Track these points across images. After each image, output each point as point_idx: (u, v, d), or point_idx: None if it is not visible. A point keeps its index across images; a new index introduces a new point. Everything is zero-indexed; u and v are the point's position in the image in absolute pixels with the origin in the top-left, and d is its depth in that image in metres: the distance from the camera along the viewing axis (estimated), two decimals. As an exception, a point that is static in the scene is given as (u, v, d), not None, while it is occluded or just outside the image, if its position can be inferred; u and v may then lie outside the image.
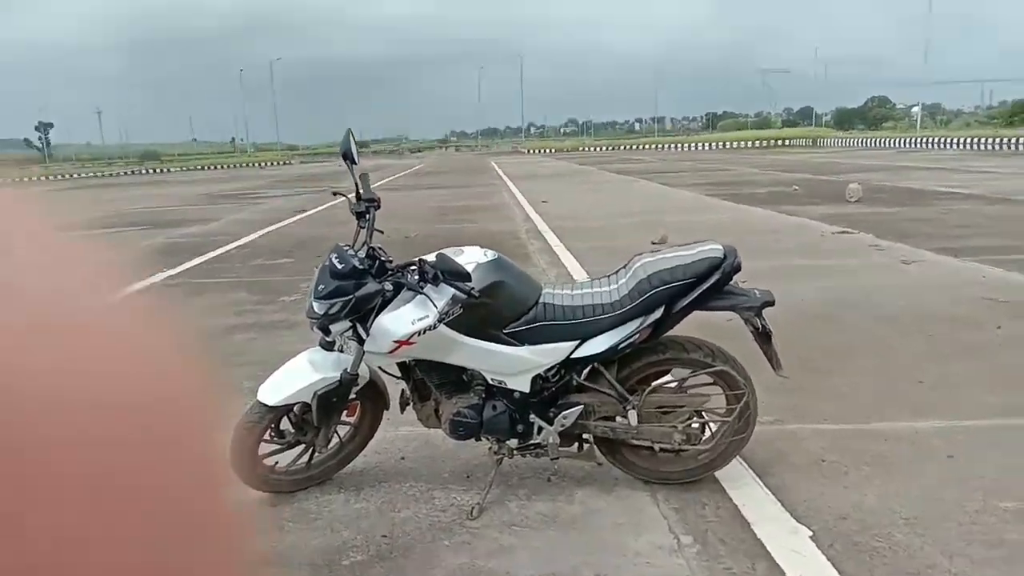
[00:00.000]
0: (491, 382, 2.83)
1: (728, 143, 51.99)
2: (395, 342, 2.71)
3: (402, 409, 3.06)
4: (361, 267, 2.72)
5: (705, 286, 2.68)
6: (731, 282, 2.75)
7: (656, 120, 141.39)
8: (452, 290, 2.65)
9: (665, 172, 24.02)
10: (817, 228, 9.88)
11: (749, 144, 48.09)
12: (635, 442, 2.95)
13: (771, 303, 2.75)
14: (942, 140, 38.13)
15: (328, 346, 2.94)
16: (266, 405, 2.84)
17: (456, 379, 2.90)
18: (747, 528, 2.68)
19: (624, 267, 2.90)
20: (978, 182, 16.05)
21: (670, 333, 2.85)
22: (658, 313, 2.70)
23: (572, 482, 3.07)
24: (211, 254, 9.76)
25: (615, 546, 2.60)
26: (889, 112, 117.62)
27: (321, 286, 2.74)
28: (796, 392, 3.89)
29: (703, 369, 2.81)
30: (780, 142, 54.23)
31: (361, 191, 2.87)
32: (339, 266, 2.72)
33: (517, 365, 2.78)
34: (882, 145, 41.40)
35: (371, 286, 2.70)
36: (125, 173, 44.91)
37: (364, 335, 2.73)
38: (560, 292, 2.85)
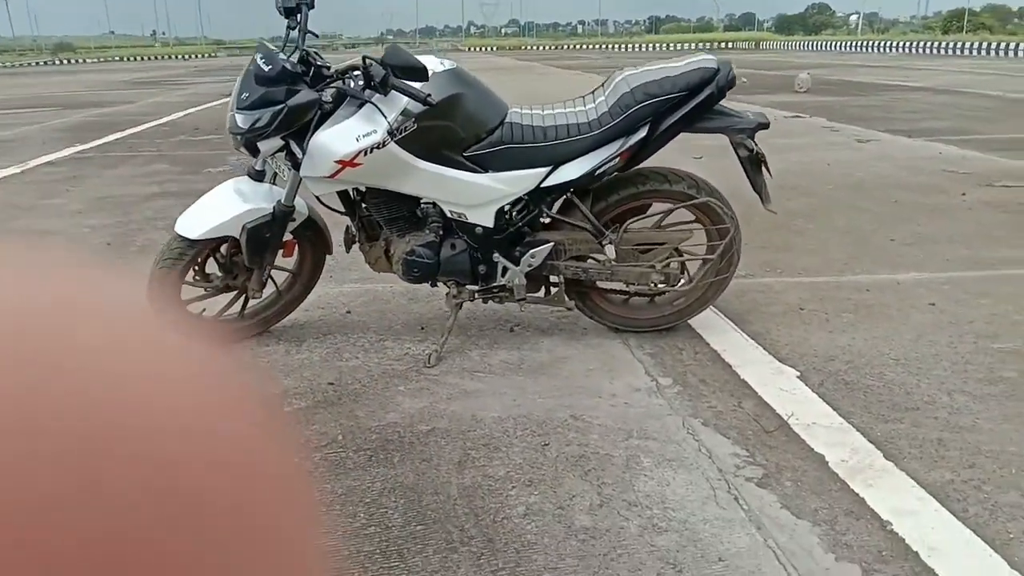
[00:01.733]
0: (450, 216, 2.49)
1: (671, 45, 51.02)
2: (337, 163, 2.33)
3: (347, 247, 2.71)
4: (293, 71, 2.30)
5: (696, 101, 2.36)
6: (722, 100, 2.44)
7: (599, 23, 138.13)
8: (404, 100, 2.28)
9: (612, 68, 23.24)
10: (769, 113, 9.63)
11: (692, 46, 47.29)
12: (608, 285, 2.67)
13: (766, 125, 2.45)
14: (882, 44, 38.09)
15: (258, 176, 2.55)
16: (186, 239, 2.45)
17: (409, 214, 2.55)
18: (729, 370, 2.47)
19: (603, 84, 2.55)
20: (923, 77, 16.01)
21: (650, 163, 2.54)
22: (642, 132, 2.38)
23: (537, 332, 2.80)
24: (130, 131, 8.99)
25: (589, 389, 2.36)
26: (829, 20, 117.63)
27: (245, 94, 2.32)
28: (768, 249, 3.68)
29: (686, 202, 2.52)
30: (722, 44, 53.56)
31: None
32: (266, 68, 2.30)
33: (479, 195, 2.44)
34: (824, 48, 41.24)
35: (306, 94, 2.30)
36: (37, 63, 41.57)
37: (300, 156, 2.34)
38: (529, 112, 2.50)
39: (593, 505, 1.78)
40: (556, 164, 2.42)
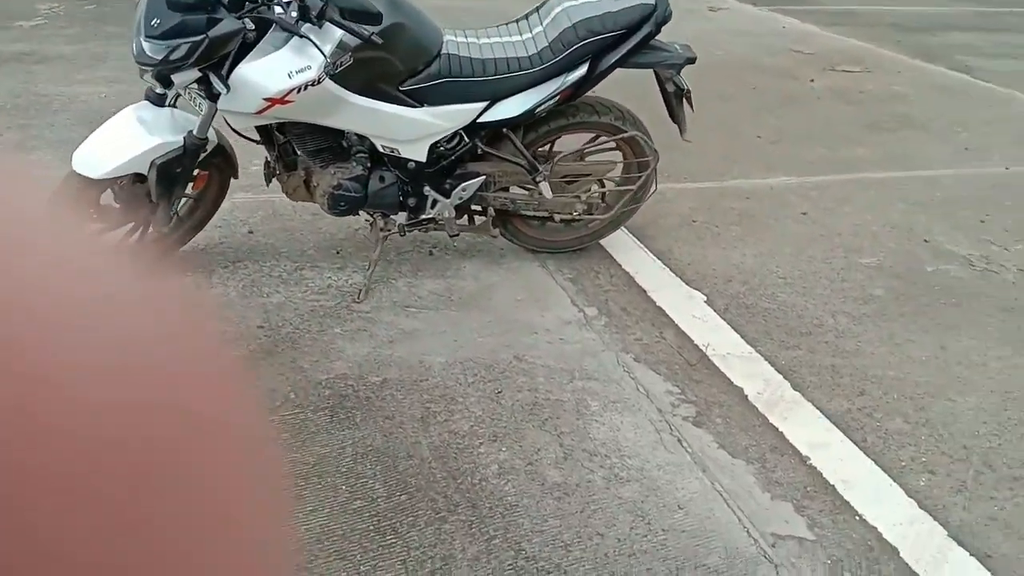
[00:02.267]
0: (381, 150, 2.40)
1: None
2: (266, 100, 2.15)
3: (267, 180, 2.55)
4: None
5: (635, 40, 2.36)
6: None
7: None
8: (340, 33, 2.10)
9: None
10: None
11: None
12: (531, 213, 2.72)
13: (693, 60, 2.51)
14: None
15: (158, 100, 2.29)
16: (88, 178, 2.21)
17: (335, 145, 2.42)
18: (645, 296, 2.65)
19: (539, 10, 2.47)
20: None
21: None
22: (582, 70, 2.36)
23: (457, 255, 2.83)
24: None
25: (523, 325, 2.46)
26: None
27: (156, 20, 2.05)
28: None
29: (614, 135, 2.57)
30: None
31: None
32: None
33: (414, 130, 2.36)
34: None
35: (229, 22, 2.06)
36: None
37: (220, 89, 2.12)
38: (465, 41, 2.39)
39: (558, 459, 1.94)
40: (494, 99, 2.37)
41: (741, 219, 3.22)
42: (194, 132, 2.29)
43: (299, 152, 2.41)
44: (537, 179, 2.55)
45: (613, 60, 2.37)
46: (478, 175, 2.51)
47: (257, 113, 2.19)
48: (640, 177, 2.64)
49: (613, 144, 2.64)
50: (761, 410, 2.14)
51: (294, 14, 2.05)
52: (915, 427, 2.11)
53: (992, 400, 2.23)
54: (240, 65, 2.11)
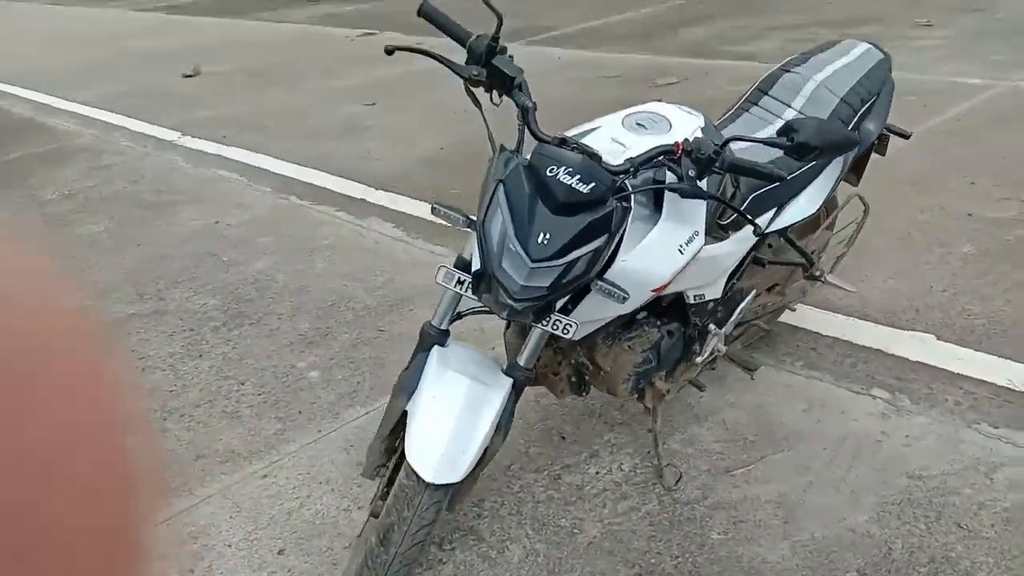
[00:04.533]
0: (691, 301, 1.91)
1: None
2: (653, 291, 1.59)
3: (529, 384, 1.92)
4: (613, 179, 1.46)
5: (884, 97, 2.16)
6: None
7: None
8: (715, 180, 1.63)
9: None
10: (329, 33, 9.04)
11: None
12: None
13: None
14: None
15: (441, 338, 1.62)
16: (446, 485, 1.49)
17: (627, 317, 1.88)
18: (896, 358, 2.48)
19: (768, 91, 2.14)
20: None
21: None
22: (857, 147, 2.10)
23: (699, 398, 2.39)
24: None
25: (864, 436, 2.14)
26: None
27: (544, 236, 1.40)
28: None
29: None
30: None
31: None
32: (584, 189, 1.41)
33: (723, 264, 1.92)
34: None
35: (611, 204, 1.48)
36: None
37: (620, 296, 1.53)
38: (764, 110, 2.00)
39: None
40: (783, 203, 2.01)
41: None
42: (521, 363, 1.63)
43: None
44: (816, 272, 2.24)
45: (871, 126, 2.14)
46: (747, 291, 2.13)
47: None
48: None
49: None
50: None
51: (691, 173, 1.51)
52: None
53: None
54: (620, 255, 1.52)
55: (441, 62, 1.59)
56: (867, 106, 2.10)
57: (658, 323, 1.92)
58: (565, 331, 1.61)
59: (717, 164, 1.50)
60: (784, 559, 1.80)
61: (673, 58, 6.23)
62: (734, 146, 1.72)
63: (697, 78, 5.63)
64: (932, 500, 1.91)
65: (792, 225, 2.06)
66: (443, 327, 1.68)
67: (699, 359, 2.08)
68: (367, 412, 2.44)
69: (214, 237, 3.80)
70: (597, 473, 2.11)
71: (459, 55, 1.67)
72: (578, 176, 1.42)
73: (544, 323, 1.59)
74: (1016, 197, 3.40)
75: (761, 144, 1.57)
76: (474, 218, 1.59)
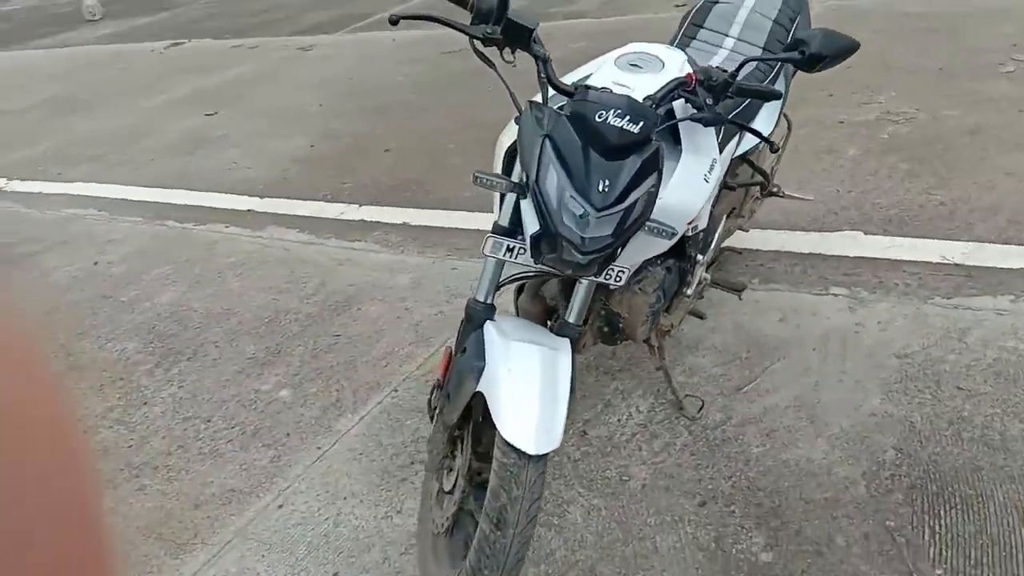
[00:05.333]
0: (687, 233, 1.94)
1: None
2: (689, 223, 1.62)
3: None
4: (657, 116, 1.44)
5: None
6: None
7: None
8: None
9: None
10: (131, 50, 8.33)
11: None
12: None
13: None
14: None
15: (488, 312, 1.57)
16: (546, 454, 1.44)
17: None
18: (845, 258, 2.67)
19: (707, 15, 2.20)
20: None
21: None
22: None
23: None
24: None
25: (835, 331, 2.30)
26: None
27: (604, 183, 1.37)
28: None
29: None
30: None
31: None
32: (635, 127, 1.38)
33: (711, 188, 1.96)
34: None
35: (656, 142, 1.47)
36: None
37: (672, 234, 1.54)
38: (704, 43, 2.05)
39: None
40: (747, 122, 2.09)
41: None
42: (571, 321, 1.61)
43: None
44: (773, 190, 2.35)
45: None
46: (719, 217, 2.20)
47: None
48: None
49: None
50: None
51: (708, 101, 1.53)
52: None
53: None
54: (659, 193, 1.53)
55: (449, 25, 1.51)
56: (795, 24, 2.23)
57: (658, 261, 1.95)
58: (618, 279, 1.60)
59: (731, 89, 1.54)
60: (827, 454, 1.91)
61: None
62: None
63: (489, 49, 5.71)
64: (926, 372, 2.09)
65: (755, 147, 2.16)
66: (489, 301, 1.62)
67: (690, 290, 2.14)
68: (361, 418, 2.32)
69: (99, 279, 3.43)
70: (619, 421, 2.14)
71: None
72: (628, 117, 1.40)
73: (600, 274, 1.57)
74: (873, 100, 3.75)
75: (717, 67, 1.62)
76: (516, 181, 1.53)
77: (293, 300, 3.01)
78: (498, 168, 1.68)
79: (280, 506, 2.06)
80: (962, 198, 2.83)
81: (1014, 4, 4.54)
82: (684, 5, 6.02)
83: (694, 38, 2.19)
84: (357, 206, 3.73)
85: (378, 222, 3.54)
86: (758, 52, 2.09)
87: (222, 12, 9.78)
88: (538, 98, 1.56)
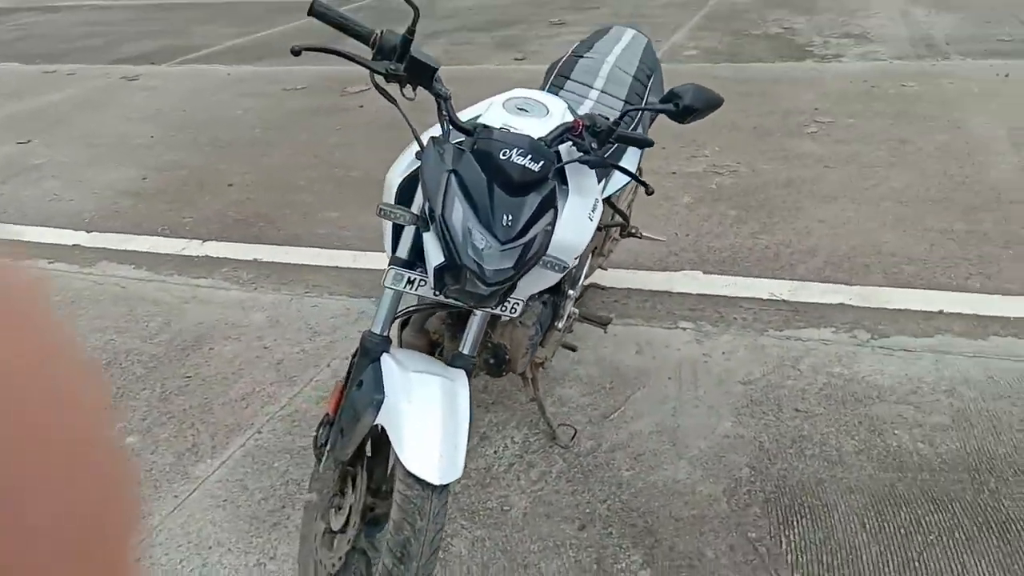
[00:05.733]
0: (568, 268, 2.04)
1: None
2: (575, 259, 1.70)
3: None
4: (554, 156, 1.52)
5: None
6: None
7: None
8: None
9: None
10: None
11: None
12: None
13: None
14: None
15: (383, 346, 1.57)
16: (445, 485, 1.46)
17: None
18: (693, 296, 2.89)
19: (572, 69, 2.33)
20: None
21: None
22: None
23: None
24: None
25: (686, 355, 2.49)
26: None
27: (508, 217, 1.42)
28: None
29: None
30: None
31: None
32: (536, 166, 1.45)
33: (595, 223, 2.05)
34: None
35: (552, 181, 1.55)
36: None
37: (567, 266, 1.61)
38: (572, 93, 2.17)
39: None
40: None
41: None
42: (466, 352, 1.65)
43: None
44: (631, 230, 2.50)
45: (653, 98, 2.44)
46: (587, 254, 2.33)
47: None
48: None
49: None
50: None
51: (593, 145, 1.64)
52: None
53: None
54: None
55: (353, 60, 1.52)
56: (651, 81, 2.43)
57: (536, 296, 2.03)
58: (513, 310, 1.65)
59: (613, 136, 1.67)
60: (690, 474, 2.04)
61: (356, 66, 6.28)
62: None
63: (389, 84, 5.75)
64: (768, 396, 2.31)
65: (618, 191, 2.31)
66: (386, 333, 1.61)
67: (561, 323, 2.23)
68: (222, 462, 2.19)
69: None
70: (496, 452, 2.17)
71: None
72: (530, 156, 1.47)
73: (497, 306, 1.61)
74: (699, 153, 4.11)
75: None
76: (417, 214, 1.55)
77: (134, 340, 2.80)
78: (390, 201, 1.69)
79: (137, 560, 1.89)
80: (784, 242, 3.16)
81: (815, 76, 5.17)
82: (524, 59, 6.33)
83: (562, 88, 2.33)
84: (200, 242, 3.55)
85: (225, 258, 3.39)
86: (620, 104, 2.25)
87: (31, 35, 9.04)
88: (435, 132, 1.60)
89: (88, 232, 3.71)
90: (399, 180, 1.68)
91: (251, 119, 5.28)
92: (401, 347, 1.93)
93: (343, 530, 1.60)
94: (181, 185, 4.23)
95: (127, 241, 3.59)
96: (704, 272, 3.01)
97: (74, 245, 3.60)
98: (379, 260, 3.19)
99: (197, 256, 3.43)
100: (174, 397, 2.49)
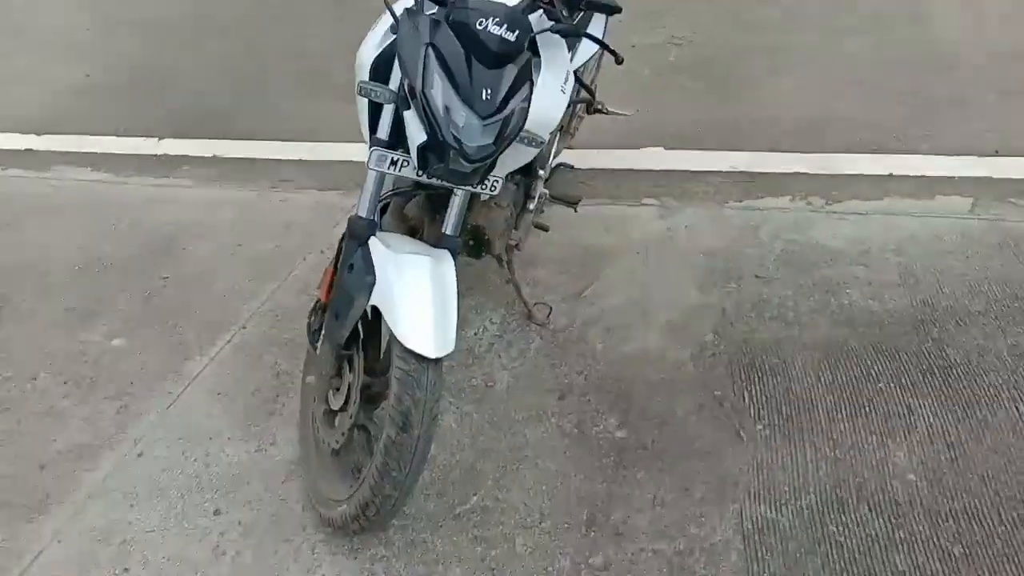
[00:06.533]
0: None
1: None
2: (550, 133, 1.76)
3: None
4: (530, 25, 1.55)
5: None
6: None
7: None
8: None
9: None
10: None
11: None
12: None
13: None
14: None
15: (370, 229, 1.65)
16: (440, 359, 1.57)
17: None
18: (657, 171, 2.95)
19: None
20: None
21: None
22: None
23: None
24: None
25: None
26: None
27: (486, 91, 1.46)
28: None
29: None
30: None
31: None
32: (512, 36, 1.48)
33: (569, 96, 2.04)
34: None
35: (527, 53, 1.59)
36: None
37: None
38: None
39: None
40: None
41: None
42: (449, 232, 1.71)
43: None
44: (598, 106, 2.52)
45: None
46: (554, 133, 2.35)
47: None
48: None
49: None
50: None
51: (564, 13, 1.65)
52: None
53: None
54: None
55: None
56: None
57: (509, 176, 2.08)
58: (493, 188, 1.70)
59: (583, 2, 1.67)
60: (658, 342, 2.18)
61: None
62: None
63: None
64: (730, 265, 2.42)
65: (583, 65, 2.31)
66: (372, 217, 1.65)
67: (532, 204, 2.29)
68: (212, 358, 2.27)
69: None
70: (476, 334, 2.27)
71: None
72: (506, 25, 1.48)
73: (478, 185, 1.65)
74: (658, 25, 4.06)
75: None
76: (396, 91, 1.56)
77: (104, 245, 2.81)
78: (364, 79, 1.68)
79: (140, 455, 2.00)
80: (744, 114, 3.21)
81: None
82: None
83: None
84: (156, 139, 3.49)
85: (185, 155, 3.34)
86: None
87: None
88: (406, 4, 1.59)
89: (39, 135, 3.60)
90: (372, 57, 1.67)
91: (192, 4, 5.04)
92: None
93: (344, 408, 1.70)
94: (127, 82, 4.08)
95: (81, 143, 3.51)
96: (666, 148, 3.06)
97: (26, 149, 3.51)
98: (339, 151, 3.18)
99: (156, 155, 3.37)
100: (153, 298, 2.53)
